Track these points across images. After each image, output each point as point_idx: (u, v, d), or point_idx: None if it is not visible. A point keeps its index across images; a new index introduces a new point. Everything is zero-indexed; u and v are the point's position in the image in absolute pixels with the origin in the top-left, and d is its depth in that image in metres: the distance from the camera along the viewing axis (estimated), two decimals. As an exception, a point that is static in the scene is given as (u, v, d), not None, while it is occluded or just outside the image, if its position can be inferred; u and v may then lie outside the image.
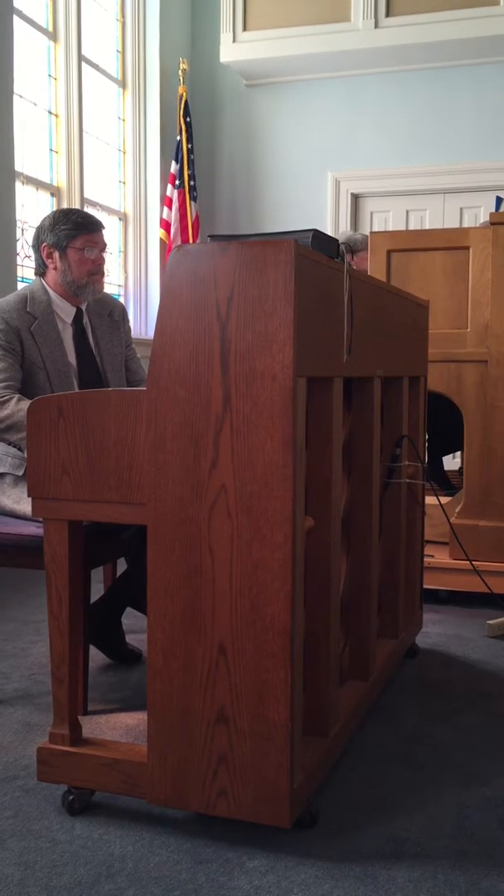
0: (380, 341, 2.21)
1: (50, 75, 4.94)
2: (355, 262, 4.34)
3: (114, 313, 2.77)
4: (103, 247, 2.65)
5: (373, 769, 2.03)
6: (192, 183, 5.76)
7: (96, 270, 2.62)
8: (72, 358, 2.60)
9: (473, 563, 3.16)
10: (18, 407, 2.34)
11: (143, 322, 5.90)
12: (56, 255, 2.58)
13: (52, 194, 4.92)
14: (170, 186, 5.74)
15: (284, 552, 1.59)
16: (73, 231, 2.57)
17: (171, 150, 5.84)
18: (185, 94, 5.82)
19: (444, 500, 3.65)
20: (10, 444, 2.41)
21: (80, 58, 5.05)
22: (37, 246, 2.62)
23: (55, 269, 2.60)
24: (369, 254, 3.47)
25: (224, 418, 1.60)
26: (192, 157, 5.79)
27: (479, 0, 5.30)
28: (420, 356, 2.77)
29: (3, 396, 2.37)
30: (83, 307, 2.67)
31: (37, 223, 2.70)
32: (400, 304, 2.44)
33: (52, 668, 1.82)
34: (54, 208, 4.89)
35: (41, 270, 2.63)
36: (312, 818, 1.76)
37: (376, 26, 5.48)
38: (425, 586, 3.25)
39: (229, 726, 1.65)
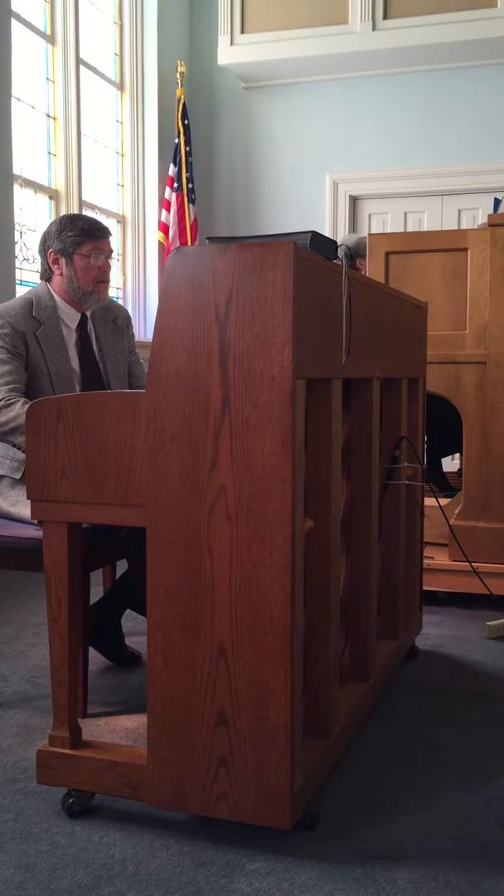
0: (378, 343, 2.22)
1: (48, 78, 4.94)
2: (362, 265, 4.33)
3: (118, 319, 2.77)
4: (109, 253, 2.64)
5: (373, 771, 2.03)
6: (190, 186, 5.77)
7: (102, 277, 2.61)
8: (75, 363, 2.60)
9: (473, 564, 3.15)
10: (24, 409, 2.33)
11: (142, 324, 5.90)
12: (62, 261, 2.58)
13: (51, 197, 4.92)
14: (168, 189, 5.75)
15: (284, 554, 1.59)
16: (80, 237, 2.57)
17: (169, 153, 5.84)
18: (182, 96, 5.82)
19: (443, 501, 3.65)
20: (14, 446, 2.42)
21: (78, 61, 5.06)
22: (43, 251, 2.61)
23: (61, 274, 2.59)
24: (367, 255, 3.47)
25: (223, 420, 1.60)
26: (190, 159, 5.79)
27: (476, 2, 5.31)
28: (419, 357, 2.77)
29: (9, 399, 2.37)
30: (88, 313, 2.67)
31: (35, 226, 2.70)
32: (398, 306, 2.45)
33: (51, 671, 1.81)
34: (52, 211, 4.90)
35: (47, 275, 2.63)
36: (313, 820, 1.76)
37: (374, 28, 5.49)
38: (425, 588, 3.25)
39: (229, 728, 1.65)
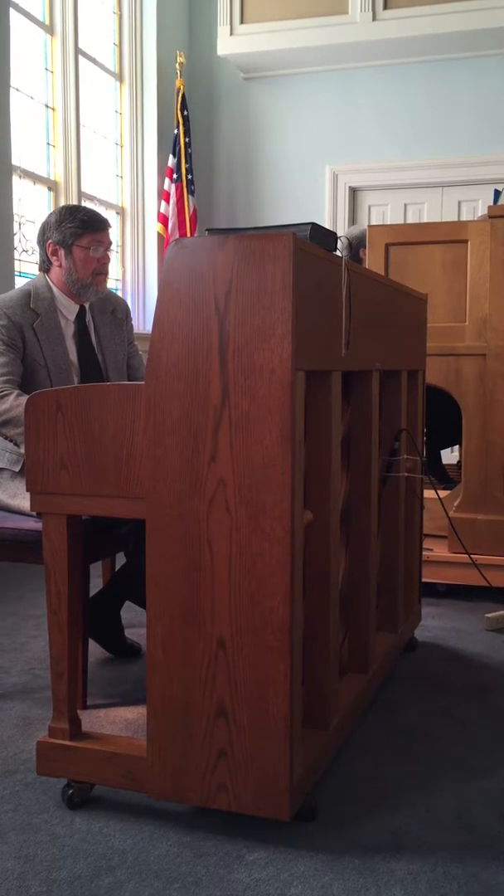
0: (378, 335, 2.21)
1: (46, 69, 4.92)
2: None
3: (117, 311, 2.76)
4: (108, 245, 2.63)
5: (372, 762, 2.04)
6: (189, 177, 5.75)
7: (101, 270, 2.60)
8: (73, 356, 2.60)
9: (472, 556, 3.16)
10: (17, 402, 2.33)
11: (141, 316, 5.89)
12: (61, 252, 2.57)
13: (50, 188, 4.91)
14: (167, 180, 5.73)
15: (283, 546, 1.59)
16: (79, 229, 2.56)
17: (168, 144, 5.83)
18: (182, 87, 5.80)
19: (442, 493, 3.65)
20: (7, 438, 2.41)
21: (77, 51, 5.03)
22: (42, 242, 2.60)
23: (60, 266, 2.58)
24: (367, 247, 3.46)
25: (223, 412, 1.60)
26: (189, 150, 5.78)
27: (477, -8, 5.29)
28: (418, 350, 2.76)
29: (3, 391, 2.37)
30: (86, 305, 2.66)
31: (34, 218, 2.69)
32: (398, 298, 2.44)
33: (51, 663, 1.82)
34: (51, 202, 4.88)
35: (45, 267, 2.62)
36: (312, 811, 1.77)
37: (374, 19, 5.46)
38: (424, 580, 3.25)
39: (229, 720, 1.65)
